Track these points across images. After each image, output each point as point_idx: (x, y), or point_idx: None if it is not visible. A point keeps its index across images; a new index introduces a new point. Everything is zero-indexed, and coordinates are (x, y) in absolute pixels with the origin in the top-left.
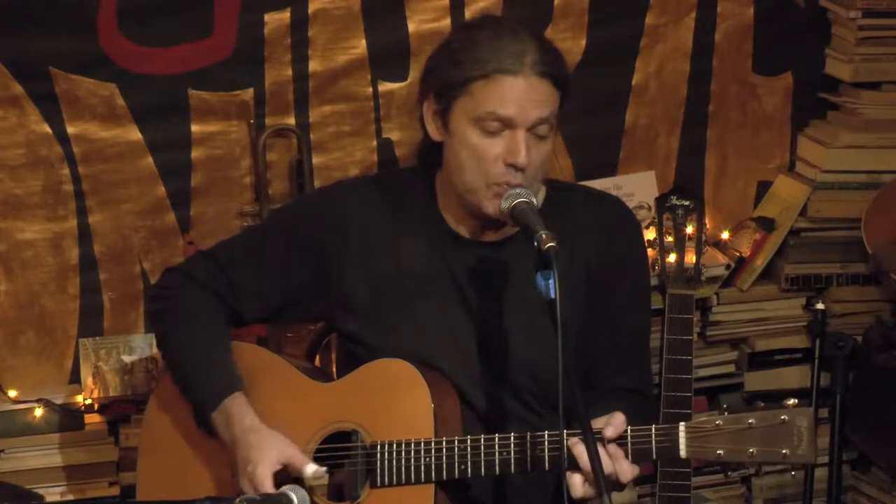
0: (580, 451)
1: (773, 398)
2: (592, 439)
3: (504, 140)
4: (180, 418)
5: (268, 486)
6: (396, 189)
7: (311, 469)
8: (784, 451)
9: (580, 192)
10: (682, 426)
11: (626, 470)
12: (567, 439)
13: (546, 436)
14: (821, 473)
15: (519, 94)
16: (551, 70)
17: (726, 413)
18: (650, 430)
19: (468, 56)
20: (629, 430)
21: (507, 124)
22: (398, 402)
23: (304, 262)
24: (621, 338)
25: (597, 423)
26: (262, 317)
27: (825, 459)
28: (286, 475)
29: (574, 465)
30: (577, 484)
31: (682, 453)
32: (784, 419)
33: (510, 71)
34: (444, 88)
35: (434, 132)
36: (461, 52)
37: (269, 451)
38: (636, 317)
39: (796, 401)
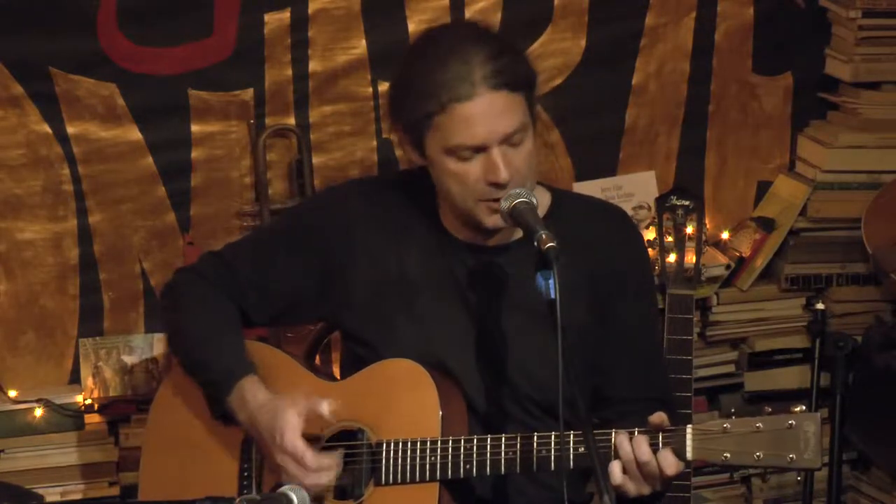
0: (621, 440)
1: (773, 398)
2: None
3: (481, 161)
4: (185, 416)
5: (301, 448)
6: (399, 191)
7: (325, 407)
8: (791, 456)
9: (583, 203)
10: (688, 429)
11: (670, 462)
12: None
13: (552, 437)
14: (821, 473)
15: (480, 117)
16: (504, 79)
17: (733, 417)
18: (657, 432)
19: (422, 90)
20: (636, 432)
21: (480, 149)
22: (406, 403)
23: (309, 264)
24: (634, 350)
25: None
26: (268, 317)
27: (825, 459)
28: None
29: (616, 455)
30: (615, 472)
31: (689, 455)
32: (791, 424)
33: (464, 97)
34: (410, 125)
35: (415, 159)
36: (415, 85)
37: (286, 414)
38: (646, 328)
39: (803, 406)
